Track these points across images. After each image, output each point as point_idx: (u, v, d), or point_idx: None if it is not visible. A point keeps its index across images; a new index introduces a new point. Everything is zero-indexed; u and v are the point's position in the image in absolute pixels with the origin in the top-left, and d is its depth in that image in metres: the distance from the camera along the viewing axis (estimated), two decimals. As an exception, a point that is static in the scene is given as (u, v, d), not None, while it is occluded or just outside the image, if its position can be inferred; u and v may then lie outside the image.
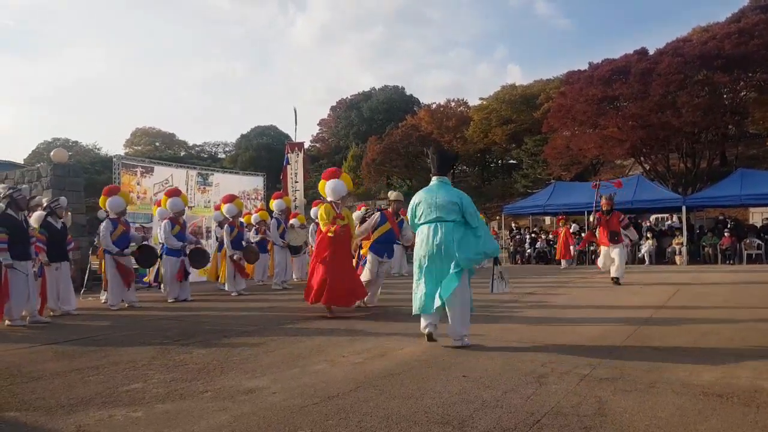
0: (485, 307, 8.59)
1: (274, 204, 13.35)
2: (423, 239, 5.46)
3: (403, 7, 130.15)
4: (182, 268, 10.80)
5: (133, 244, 10.37)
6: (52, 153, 14.92)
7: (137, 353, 5.53)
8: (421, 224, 5.53)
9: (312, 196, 22.20)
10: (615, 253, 11.74)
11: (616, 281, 11.57)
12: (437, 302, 5.25)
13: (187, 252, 11.06)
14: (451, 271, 5.20)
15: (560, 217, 21.34)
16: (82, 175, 15.28)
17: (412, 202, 5.69)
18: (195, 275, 13.38)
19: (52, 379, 4.53)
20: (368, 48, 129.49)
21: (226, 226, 12.03)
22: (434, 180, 5.67)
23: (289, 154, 19.94)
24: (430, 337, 5.48)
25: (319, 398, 3.77)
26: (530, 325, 6.81)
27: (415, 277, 5.55)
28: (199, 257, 11.46)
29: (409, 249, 17.09)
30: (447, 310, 5.32)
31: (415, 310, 5.49)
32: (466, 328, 5.41)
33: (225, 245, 11.95)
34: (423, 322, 5.50)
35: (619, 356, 4.89)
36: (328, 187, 8.22)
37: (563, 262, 19.61)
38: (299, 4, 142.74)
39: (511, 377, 4.22)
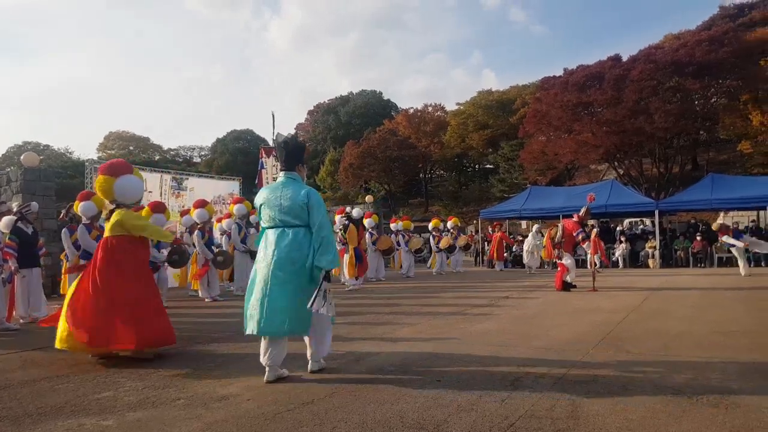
0: (459, 312, 8.62)
1: (235, 209, 13.25)
2: (264, 246, 4.60)
3: (380, 12, 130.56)
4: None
5: None
6: (22, 157, 14.63)
7: (108, 361, 5.44)
8: (266, 228, 4.68)
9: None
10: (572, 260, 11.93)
11: (573, 287, 11.70)
12: (284, 327, 4.39)
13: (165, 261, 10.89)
14: (302, 288, 4.41)
15: (496, 222, 22.08)
16: (53, 179, 15.03)
17: (255, 201, 4.86)
18: (171, 281, 13.23)
19: (20, 388, 4.43)
20: (345, 53, 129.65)
21: (197, 231, 11.91)
22: (281, 176, 4.77)
23: (264, 159, 19.82)
24: (273, 376, 4.42)
25: (294, 405, 3.75)
26: (505, 329, 6.84)
27: (255, 290, 4.50)
28: (179, 255, 11.30)
29: (384, 253, 17.17)
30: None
31: (251, 329, 4.46)
32: (327, 348, 4.78)
33: (197, 251, 11.83)
34: (264, 351, 4.48)
35: (592, 359, 4.94)
36: (122, 187, 5.80)
37: (497, 264, 20.94)
38: (273, 8, 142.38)
39: (485, 381, 4.24)
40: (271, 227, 4.63)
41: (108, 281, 5.35)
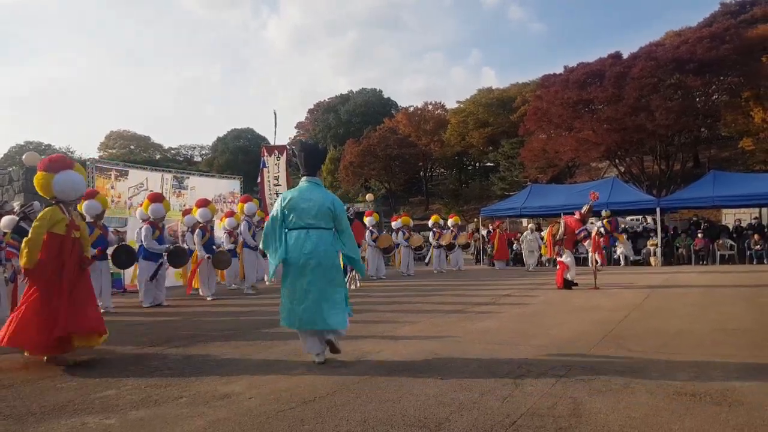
0: (460, 310, 8.62)
1: (246, 207, 13.33)
2: (296, 247, 4.91)
3: (378, 11, 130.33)
4: (156, 271, 10.70)
5: (111, 247, 10.25)
6: (24, 156, 14.66)
7: (111, 359, 5.45)
8: (292, 229, 4.99)
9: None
10: (572, 257, 11.82)
11: (575, 285, 11.59)
12: (315, 322, 4.85)
13: (166, 254, 10.98)
14: (330, 290, 4.91)
15: (497, 222, 22.06)
16: (54, 178, 15.03)
17: (278, 203, 5.11)
18: (171, 280, 13.25)
19: (23, 387, 4.44)
20: (345, 51, 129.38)
21: (197, 230, 11.95)
22: (304, 181, 5.12)
23: (265, 158, 19.78)
24: (322, 358, 4.93)
25: (296, 403, 3.75)
26: (506, 327, 6.84)
27: (294, 289, 4.93)
28: (178, 256, 11.34)
29: (384, 252, 17.15)
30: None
31: (291, 324, 4.96)
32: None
33: (196, 249, 11.87)
34: (308, 346, 4.99)
35: (594, 358, 4.94)
36: (62, 182, 5.61)
37: (497, 263, 21.03)
38: (272, 7, 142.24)
39: (487, 379, 4.24)
40: (299, 228, 4.95)
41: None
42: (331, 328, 4.88)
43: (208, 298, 11.54)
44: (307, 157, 5.13)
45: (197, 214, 12.15)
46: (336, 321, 4.88)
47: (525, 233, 20.74)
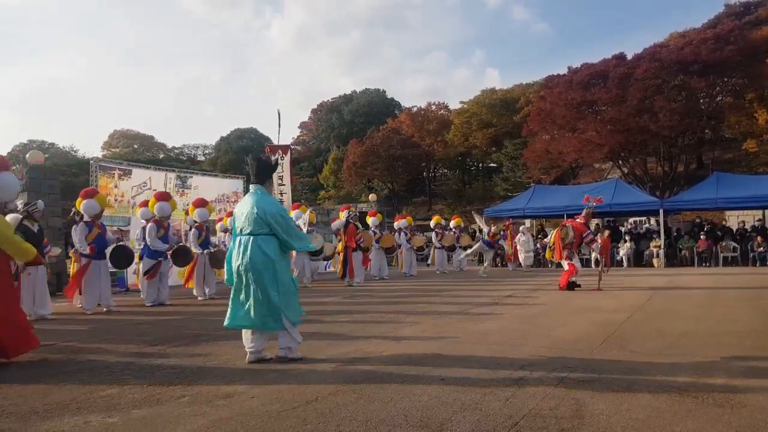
0: (462, 311, 8.62)
1: None
2: (238, 252, 5.09)
3: (381, 11, 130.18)
4: (157, 268, 10.73)
5: (110, 247, 10.27)
6: (27, 155, 14.70)
7: (114, 358, 5.46)
8: (238, 235, 5.19)
9: (294, 197, 22.42)
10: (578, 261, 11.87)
11: (577, 286, 11.58)
12: (251, 322, 4.99)
13: (170, 253, 11.02)
14: (269, 294, 4.96)
15: (508, 222, 21.93)
16: (58, 177, 15.08)
17: (235, 210, 5.47)
18: (175, 279, 13.25)
19: (26, 385, 4.45)
20: (346, 51, 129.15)
21: (193, 230, 11.98)
22: (251, 188, 5.35)
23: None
24: (255, 357, 5.09)
25: (298, 403, 3.76)
26: (508, 328, 6.83)
27: (237, 291, 5.12)
28: (182, 256, 11.37)
29: (387, 252, 17.17)
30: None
31: (231, 323, 5.11)
32: (295, 338, 5.17)
33: (192, 249, 11.90)
34: (247, 344, 5.13)
35: (597, 359, 4.93)
36: (3, 181, 5.90)
37: (510, 264, 20.72)
38: (275, 7, 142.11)
39: (489, 380, 4.23)
40: (240, 235, 5.17)
41: None
42: (269, 329, 5.07)
43: (200, 298, 11.57)
44: (255, 166, 5.29)
45: (194, 214, 12.19)
46: (273, 323, 5.01)
47: (518, 235, 20.73)
